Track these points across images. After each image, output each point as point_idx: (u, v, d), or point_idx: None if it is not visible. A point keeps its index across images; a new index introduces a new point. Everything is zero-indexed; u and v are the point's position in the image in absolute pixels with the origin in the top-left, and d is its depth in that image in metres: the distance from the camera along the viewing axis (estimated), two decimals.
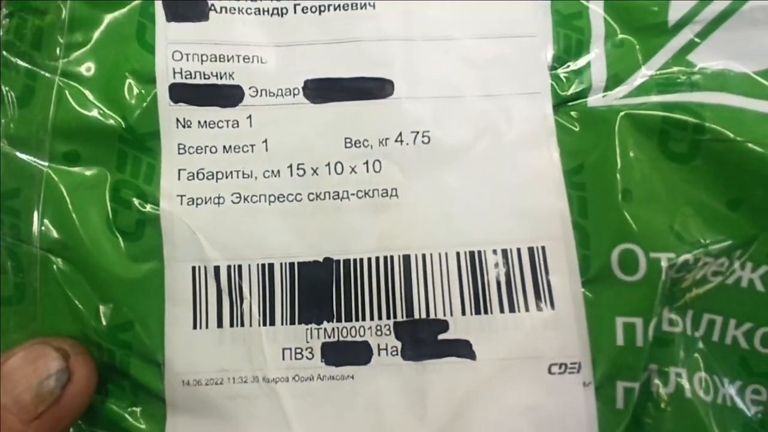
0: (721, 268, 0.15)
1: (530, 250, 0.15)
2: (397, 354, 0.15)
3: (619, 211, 0.15)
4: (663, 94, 0.15)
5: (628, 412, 0.14)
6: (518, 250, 0.15)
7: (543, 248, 0.15)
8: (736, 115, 0.14)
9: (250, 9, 0.17)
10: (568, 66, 0.17)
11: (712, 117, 0.15)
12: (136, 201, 0.16)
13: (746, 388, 0.15)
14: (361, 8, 0.17)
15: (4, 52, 0.15)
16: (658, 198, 0.15)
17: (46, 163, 0.15)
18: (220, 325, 0.15)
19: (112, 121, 0.16)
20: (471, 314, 0.15)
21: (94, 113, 0.15)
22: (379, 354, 0.15)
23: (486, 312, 0.15)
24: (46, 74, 0.15)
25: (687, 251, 0.14)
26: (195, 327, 0.15)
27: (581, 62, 0.17)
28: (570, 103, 0.16)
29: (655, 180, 0.15)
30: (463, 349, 0.15)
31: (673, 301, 0.15)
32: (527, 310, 0.15)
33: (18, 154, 0.15)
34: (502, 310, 0.15)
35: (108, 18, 0.16)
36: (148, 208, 0.16)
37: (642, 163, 0.15)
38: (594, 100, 0.16)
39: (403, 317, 0.15)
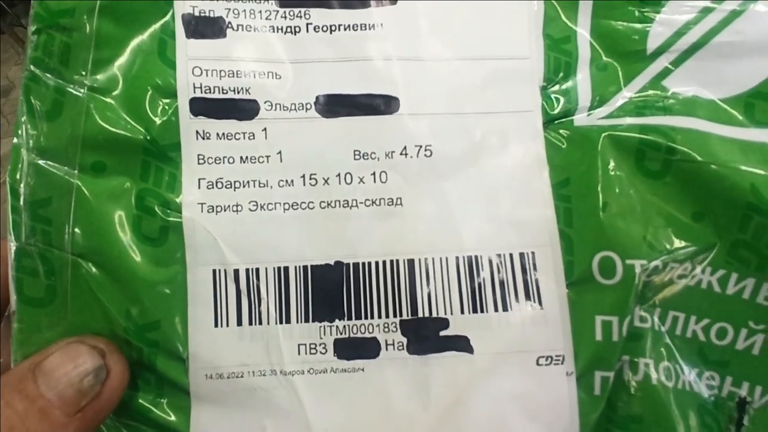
0: (685, 271, 0.17)
1: (521, 255, 0.17)
2: (403, 349, 0.17)
3: (599, 221, 0.17)
4: (640, 117, 0.17)
5: (604, 397, 0.16)
6: (510, 255, 0.17)
7: (533, 254, 0.17)
8: (702, 139, 0.16)
9: (265, 27, 0.18)
10: (557, 86, 0.18)
11: (682, 140, 0.16)
12: (159, 209, 0.17)
13: (702, 375, 0.17)
14: (370, 29, 0.18)
15: (34, 68, 0.16)
16: (633, 210, 0.17)
17: (76, 174, 0.16)
18: (239, 323, 0.17)
19: (136, 134, 0.16)
20: (469, 313, 0.17)
21: (120, 126, 0.16)
22: (386, 349, 0.17)
23: (482, 311, 0.17)
24: (74, 89, 0.16)
25: (657, 257, 0.16)
26: (216, 325, 0.17)
27: (569, 83, 0.18)
28: (558, 121, 0.18)
29: (631, 194, 0.17)
30: (462, 344, 0.17)
31: (644, 300, 0.17)
32: (519, 309, 0.17)
33: (49, 165, 0.16)
34: (496, 309, 0.17)
35: (132, 35, 0.17)
36: (171, 215, 0.17)
37: (620, 179, 0.17)
38: (580, 118, 0.18)
39: (408, 315, 0.17)
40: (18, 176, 0.16)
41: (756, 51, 0.17)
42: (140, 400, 0.17)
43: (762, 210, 0.16)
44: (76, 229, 0.16)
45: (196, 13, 0.17)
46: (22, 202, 0.16)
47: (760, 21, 0.17)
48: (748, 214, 0.16)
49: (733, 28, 0.17)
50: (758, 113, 0.16)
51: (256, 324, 0.17)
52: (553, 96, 0.18)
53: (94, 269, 0.16)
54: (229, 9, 0.17)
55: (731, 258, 0.16)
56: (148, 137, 0.17)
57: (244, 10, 0.17)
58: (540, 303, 0.17)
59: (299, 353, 0.17)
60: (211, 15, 0.17)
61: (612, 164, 0.17)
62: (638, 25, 0.18)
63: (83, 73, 0.16)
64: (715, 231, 0.16)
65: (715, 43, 0.17)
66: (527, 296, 0.17)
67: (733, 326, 0.17)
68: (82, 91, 0.16)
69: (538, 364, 0.16)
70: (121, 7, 0.16)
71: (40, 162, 0.16)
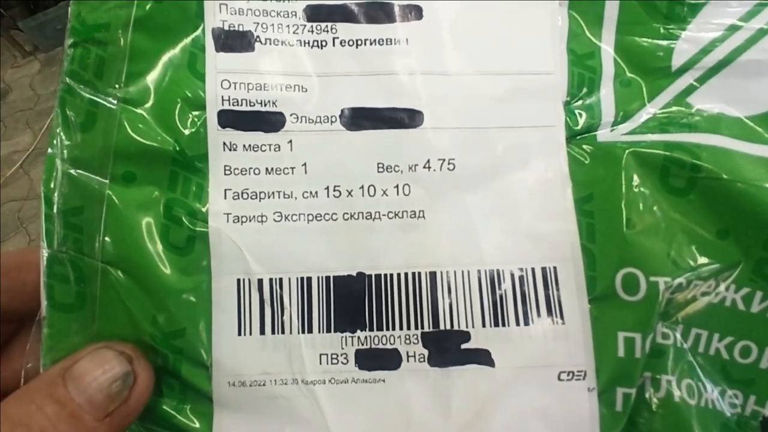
0: (709, 289, 0.17)
1: (543, 270, 0.17)
2: (424, 361, 0.17)
3: (623, 237, 0.17)
4: (664, 133, 0.17)
5: (626, 414, 0.16)
6: (533, 269, 0.17)
7: (555, 269, 0.17)
8: (728, 157, 0.16)
9: (292, 41, 0.18)
10: (581, 102, 0.18)
11: (707, 157, 0.16)
12: (186, 218, 0.17)
13: (726, 393, 0.17)
14: (395, 44, 0.18)
15: (69, 80, 0.16)
16: (657, 227, 0.17)
17: (107, 183, 0.16)
18: (262, 332, 0.17)
19: (166, 145, 0.17)
20: (490, 326, 0.17)
21: (150, 137, 0.17)
22: (408, 360, 0.17)
23: (504, 324, 0.17)
24: (108, 101, 0.16)
25: (681, 275, 0.16)
26: (240, 334, 0.17)
27: (593, 99, 0.18)
28: (581, 137, 0.18)
29: (655, 211, 0.17)
30: (483, 357, 0.17)
31: (667, 317, 0.17)
32: (540, 323, 0.17)
33: (81, 175, 0.16)
34: (518, 323, 0.17)
35: (164, 49, 0.17)
36: (198, 225, 0.17)
37: (644, 196, 0.17)
38: (603, 134, 0.18)
39: (429, 328, 0.17)
40: (52, 185, 0.16)
41: None
42: (164, 406, 0.17)
43: None
44: (107, 238, 0.16)
45: (226, 27, 0.18)
46: (55, 211, 0.16)
47: None
48: None
49: (760, 47, 0.17)
50: None
51: (278, 333, 0.17)
52: (576, 111, 0.18)
53: (122, 277, 0.17)
54: (258, 23, 0.18)
55: (756, 276, 0.16)
56: (177, 148, 0.17)
57: (273, 25, 0.18)
58: (562, 318, 0.17)
59: (321, 363, 0.17)
60: (240, 29, 0.18)
61: (636, 180, 0.17)
62: (663, 42, 0.18)
63: (116, 85, 0.16)
64: (740, 249, 0.16)
65: (741, 61, 0.17)
66: (549, 311, 0.17)
67: (758, 345, 0.16)
68: (114, 103, 0.16)
69: (559, 379, 0.16)
70: (155, 22, 0.17)
71: (73, 172, 0.16)
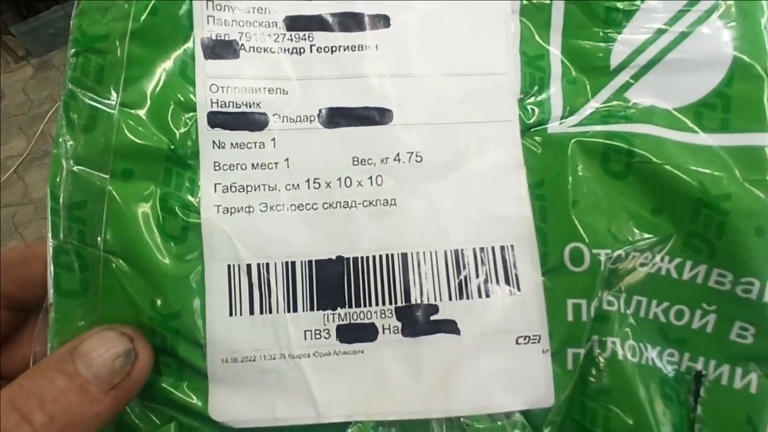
0: (646, 260, 0.19)
1: (502, 248, 0.19)
2: (398, 332, 0.19)
3: (570, 217, 0.19)
4: (605, 124, 0.20)
5: (576, 372, 0.18)
6: (492, 248, 0.19)
7: (512, 246, 0.19)
8: (658, 144, 0.19)
9: (273, 49, 0.20)
10: (533, 98, 0.20)
11: (640, 144, 0.19)
12: (180, 210, 0.19)
13: (664, 352, 0.19)
14: (366, 49, 0.20)
15: (72, 86, 0.18)
16: (599, 206, 0.19)
17: (108, 179, 0.18)
18: (252, 312, 0.19)
19: (160, 144, 0.19)
20: (456, 299, 0.19)
21: (146, 137, 0.18)
22: (383, 332, 0.19)
23: (468, 297, 0.19)
24: (108, 105, 0.18)
25: (620, 248, 0.18)
26: (231, 314, 0.19)
27: (543, 96, 0.20)
28: (533, 129, 0.20)
29: (597, 192, 0.19)
30: (450, 326, 0.19)
31: (611, 286, 0.19)
32: (500, 295, 0.19)
33: (84, 172, 0.18)
34: (480, 296, 0.19)
35: (158, 57, 0.19)
36: (191, 216, 0.19)
37: (588, 179, 0.19)
38: (552, 126, 0.20)
39: (402, 303, 0.19)
40: (57, 181, 0.18)
41: (702, 67, 0.19)
42: (163, 384, 0.19)
43: (709, 204, 0.18)
44: (108, 229, 0.18)
45: (213, 37, 0.19)
46: (60, 205, 0.18)
47: (705, 42, 0.19)
48: (698, 209, 0.18)
49: (682, 48, 0.19)
50: (705, 120, 0.19)
51: (266, 313, 0.19)
52: (529, 107, 0.20)
53: (123, 264, 0.18)
54: (242, 33, 0.20)
55: (686, 247, 0.19)
56: (171, 147, 0.19)
57: (255, 34, 0.20)
58: (519, 289, 0.19)
59: (305, 338, 0.19)
60: (226, 39, 0.20)
61: (581, 166, 0.19)
62: (602, 44, 0.20)
63: (115, 90, 0.18)
64: (672, 224, 0.19)
65: (668, 60, 0.19)
66: (507, 283, 0.19)
67: (689, 308, 0.19)
68: (114, 106, 0.18)
69: (517, 343, 0.18)
70: (149, 33, 0.19)
71: (77, 169, 0.18)
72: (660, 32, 0.20)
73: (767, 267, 0.17)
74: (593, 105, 0.20)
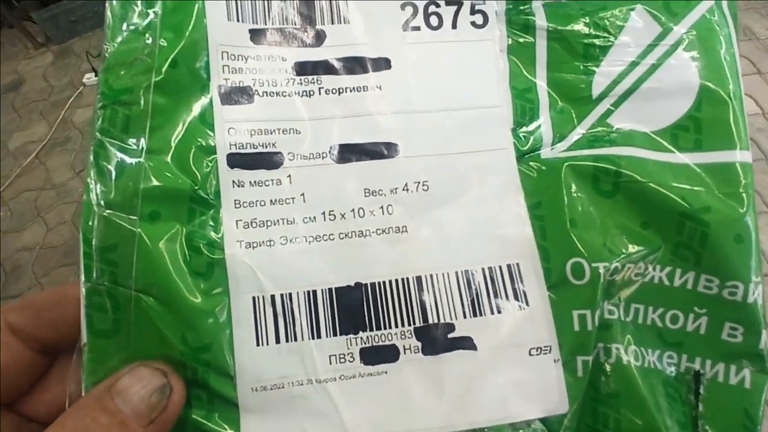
0: (639, 270, 0.21)
1: (508, 266, 0.21)
2: (418, 351, 0.20)
3: (568, 234, 0.20)
4: (592, 149, 0.22)
5: (586, 378, 0.20)
6: (500, 267, 0.21)
7: (517, 264, 0.21)
8: (641, 164, 0.21)
9: (285, 92, 0.21)
10: (525, 128, 0.22)
11: (626, 165, 0.21)
12: (205, 247, 0.20)
13: (663, 355, 0.21)
14: (370, 90, 0.22)
15: (101, 136, 0.19)
16: (594, 224, 0.21)
17: (137, 222, 0.19)
18: (278, 341, 0.20)
19: (184, 186, 0.20)
20: (470, 317, 0.20)
21: (171, 181, 0.20)
22: (404, 353, 0.20)
23: (481, 314, 0.20)
24: (134, 151, 0.19)
25: (615, 260, 0.20)
26: (258, 344, 0.20)
27: (534, 125, 0.22)
28: (527, 156, 0.22)
29: (591, 211, 0.21)
30: (467, 343, 0.20)
31: (610, 296, 0.21)
32: (510, 310, 0.20)
33: (115, 216, 0.19)
34: (492, 312, 0.20)
35: (179, 105, 0.20)
36: (215, 252, 0.20)
37: (581, 199, 0.21)
38: (545, 152, 0.22)
39: (420, 323, 0.20)
40: (90, 225, 0.19)
41: (673, 94, 0.21)
42: (194, 416, 0.19)
43: (692, 216, 0.20)
44: (138, 269, 0.19)
45: (229, 85, 0.21)
46: (93, 249, 0.19)
47: (674, 72, 0.21)
48: (682, 221, 0.20)
49: (654, 77, 0.22)
50: (681, 141, 0.21)
51: (292, 341, 0.20)
52: (522, 135, 0.22)
53: (153, 302, 0.19)
54: (255, 79, 0.21)
55: (674, 257, 0.20)
56: (194, 188, 0.20)
57: (267, 80, 0.21)
58: (527, 304, 0.20)
59: (330, 363, 0.20)
60: (241, 85, 0.21)
61: (574, 188, 0.21)
62: (584, 77, 0.22)
63: (141, 138, 0.19)
64: (659, 236, 0.21)
65: (643, 89, 0.22)
66: (516, 299, 0.20)
67: (683, 312, 0.20)
68: (140, 153, 0.19)
69: (530, 354, 0.20)
70: (170, 85, 0.20)
71: (107, 213, 0.19)
72: (634, 64, 0.22)
73: (749, 270, 0.19)
74: (580, 131, 0.22)
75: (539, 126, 0.22)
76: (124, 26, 0.20)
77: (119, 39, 0.20)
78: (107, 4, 0.20)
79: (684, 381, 0.20)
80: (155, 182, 0.19)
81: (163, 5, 0.20)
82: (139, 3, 0.20)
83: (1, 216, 1.44)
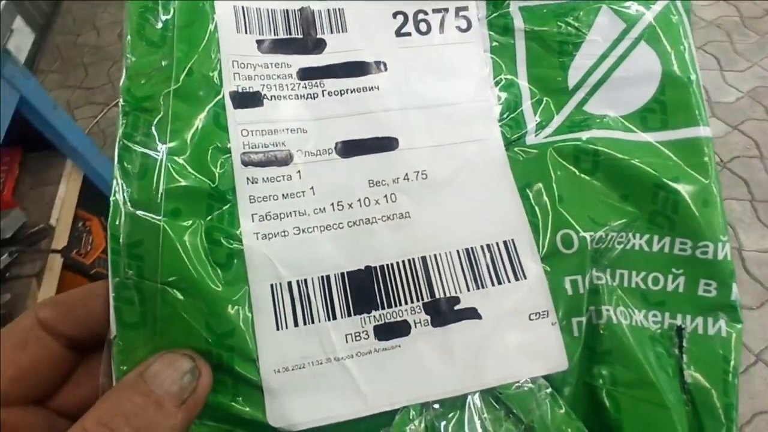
0: (622, 238, 0.23)
1: (505, 242, 0.23)
2: (428, 324, 0.21)
3: (557, 209, 0.23)
4: (572, 132, 0.24)
5: (581, 338, 0.22)
6: (497, 243, 0.23)
7: (513, 240, 0.23)
8: (616, 143, 0.23)
9: (291, 95, 0.23)
10: (510, 118, 0.25)
11: (603, 145, 0.23)
12: (224, 240, 0.21)
13: (648, 314, 0.23)
14: (371, 90, 0.24)
15: (125, 141, 0.20)
16: (579, 198, 0.23)
17: (161, 218, 0.20)
18: (296, 324, 0.21)
19: (202, 184, 0.21)
20: (474, 290, 0.22)
21: (190, 180, 0.21)
22: (415, 326, 0.21)
23: (483, 287, 0.22)
24: (156, 154, 0.21)
25: (600, 230, 0.22)
26: (278, 328, 0.21)
27: (518, 115, 0.25)
28: (514, 142, 0.24)
29: (575, 187, 0.23)
30: (472, 313, 0.22)
31: (597, 263, 0.23)
32: (509, 281, 0.22)
33: (140, 214, 0.20)
34: (493, 284, 0.22)
35: (195, 110, 0.22)
36: (234, 244, 0.21)
37: (566, 178, 0.23)
38: (530, 139, 0.24)
39: (428, 299, 0.22)
40: (117, 224, 0.20)
41: (640, 81, 0.24)
42: (220, 400, 0.20)
43: (664, 186, 0.22)
44: (164, 262, 0.20)
45: (240, 90, 0.23)
46: (120, 245, 0.20)
47: (639, 61, 0.24)
48: (655, 191, 0.22)
49: (622, 67, 0.24)
50: (650, 122, 0.23)
51: (309, 323, 0.21)
52: (508, 125, 0.24)
53: (178, 294, 0.20)
54: (264, 84, 0.23)
55: (651, 224, 0.23)
56: (212, 185, 0.21)
57: (275, 85, 0.23)
58: (524, 275, 0.22)
59: (347, 341, 0.21)
60: (251, 90, 0.23)
61: (558, 168, 0.23)
62: (560, 71, 0.25)
63: (162, 141, 0.21)
64: (637, 206, 0.23)
65: (613, 78, 0.24)
66: (514, 271, 0.22)
67: (662, 274, 0.23)
68: (161, 155, 0.21)
69: (530, 319, 0.22)
70: (187, 91, 0.22)
71: (133, 211, 0.20)
72: (603, 57, 0.24)
73: (717, 231, 0.22)
74: (559, 119, 0.25)
75: (523, 116, 0.25)
76: (143, 41, 0.22)
77: (138, 51, 0.21)
78: (125, 22, 0.21)
79: (668, 336, 0.22)
80: (177, 181, 0.21)
81: (177, 20, 0.22)
82: (155, 19, 0.22)
83: None
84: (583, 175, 0.23)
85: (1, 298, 0.85)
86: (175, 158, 0.21)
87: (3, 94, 0.79)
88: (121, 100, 0.21)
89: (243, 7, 0.24)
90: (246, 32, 0.23)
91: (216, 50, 0.22)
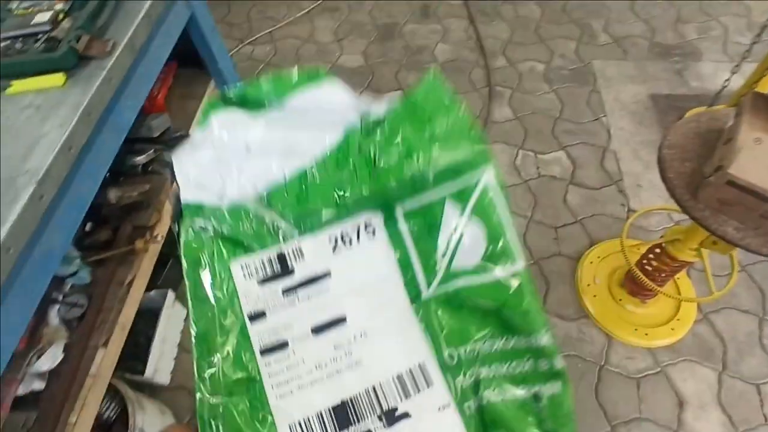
0: (485, 345, 0.37)
1: (418, 366, 0.38)
2: (383, 428, 0.36)
3: (441, 337, 0.38)
4: (446, 285, 0.40)
5: (474, 415, 0.35)
6: (410, 369, 0.38)
7: (420, 365, 0.38)
8: (470, 290, 0.39)
9: (280, 306, 0.41)
10: (414, 282, 0.41)
11: (464, 291, 0.39)
12: (259, 405, 0.38)
13: (516, 388, 0.36)
14: (325, 291, 0.41)
15: (198, 362, 0.38)
16: (455, 326, 0.38)
17: (227, 400, 0.37)
18: None
19: (244, 375, 0.38)
20: (405, 401, 0.37)
21: (238, 375, 0.38)
22: (375, 431, 0.36)
23: (408, 398, 0.37)
24: (215, 365, 0.38)
25: (470, 343, 0.37)
26: None
27: (413, 280, 0.41)
28: (415, 299, 0.40)
29: (452, 320, 0.38)
30: (406, 414, 0.36)
31: (473, 364, 0.37)
32: (422, 393, 0.37)
33: (216, 401, 0.37)
34: (415, 393, 0.37)
35: (230, 333, 0.40)
36: (265, 408, 0.38)
37: (446, 314, 0.38)
38: (424, 295, 0.40)
39: (379, 411, 0.37)
40: (203, 415, 0.37)
41: (473, 245, 0.40)
42: None
43: (502, 308, 0.37)
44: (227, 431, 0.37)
45: (252, 312, 0.40)
46: (205, 422, 0.37)
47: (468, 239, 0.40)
48: (499, 311, 0.37)
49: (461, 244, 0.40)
50: (495, 260, 0.39)
51: None
52: (411, 287, 0.40)
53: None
54: (265, 305, 0.41)
55: (501, 331, 0.37)
56: (249, 375, 0.38)
57: (270, 304, 0.41)
58: (432, 382, 0.37)
59: None
60: (257, 310, 0.40)
61: (440, 310, 0.39)
62: (432, 249, 0.41)
63: (216, 355, 0.38)
64: (491, 323, 0.38)
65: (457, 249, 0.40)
66: (427, 386, 0.37)
67: (518, 360, 0.37)
68: (219, 366, 0.38)
69: (439, 410, 0.36)
70: (226, 330, 0.40)
71: (212, 401, 0.37)
72: (450, 238, 0.41)
73: (541, 326, 0.36)
74: (436, 281, 0.40)
75: (417, 280, 0.41)
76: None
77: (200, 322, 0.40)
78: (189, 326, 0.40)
79: (534, 400, 0.36)
80: (230, 377, 0.38)
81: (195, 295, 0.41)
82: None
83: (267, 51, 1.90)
84: (455, 310, 0.39)
85: (142, 188, 1.04)
86: (227, 365, 0.38)
87: (178, 7, 0.99)
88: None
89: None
90: (250, 277, 0.41)
91: (236, 295, 0.41)
